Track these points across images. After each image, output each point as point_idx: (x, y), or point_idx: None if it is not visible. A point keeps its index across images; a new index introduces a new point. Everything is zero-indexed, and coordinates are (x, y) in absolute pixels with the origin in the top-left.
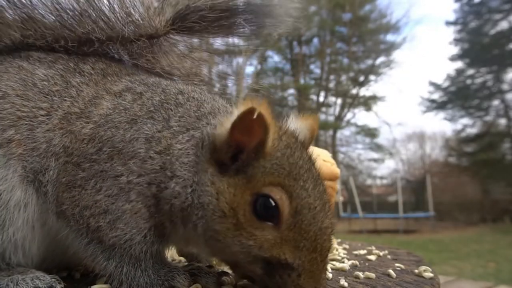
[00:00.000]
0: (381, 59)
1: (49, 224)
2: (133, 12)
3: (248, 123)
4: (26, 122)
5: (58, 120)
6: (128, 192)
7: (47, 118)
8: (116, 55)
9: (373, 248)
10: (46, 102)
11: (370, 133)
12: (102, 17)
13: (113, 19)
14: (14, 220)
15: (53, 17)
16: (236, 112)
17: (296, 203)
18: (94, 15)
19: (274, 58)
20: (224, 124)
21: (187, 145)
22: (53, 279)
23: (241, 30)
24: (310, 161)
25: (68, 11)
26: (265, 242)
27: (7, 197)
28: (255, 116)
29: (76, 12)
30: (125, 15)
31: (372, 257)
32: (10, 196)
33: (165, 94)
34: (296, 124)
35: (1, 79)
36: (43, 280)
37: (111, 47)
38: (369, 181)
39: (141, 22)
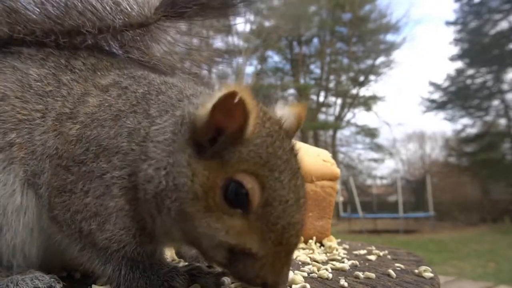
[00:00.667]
0: (381, 59)
1: (46, 228)
2: (121, 1)
3: (229, 106)
4: (26, 126)
5: (52, 122)
6: (111, 187)
7: (42, 121)
8: (108, 48)
9: (373, 248)
10: (41, 104)
11: (370, 133)
12: (89, 7)
13: (101, 9)
14: (12, 225)
15: (38, 10)
16: (218, 94)
17: (267, 194)
18: (80, 6)
19: (274, 58)
20: (205, 105)
21: (165, 124)
22: (52, 279)
23: (233, 8)
24: (291, 152)
25: (52, 2)
26: (231, 228)
27: (5, 202)
28: (236, 100)
29: (61, 4)
30: (113, 5)
31: (372, 257)
32: (9, 201)
33: (149, 85)
34: (283, 111)
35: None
36: (42, 280)
37: (102, 40)
38: (369, 181)
39: (130, 10)
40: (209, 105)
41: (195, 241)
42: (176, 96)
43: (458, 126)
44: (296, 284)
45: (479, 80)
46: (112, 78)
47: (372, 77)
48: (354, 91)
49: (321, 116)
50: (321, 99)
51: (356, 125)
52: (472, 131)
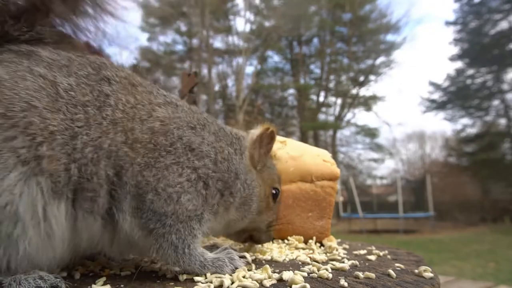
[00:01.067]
0: (381, 59)
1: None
2: None
3: (265, 136)
4: (59, 136)
5: (105, 127)
6: (206, 180)
7: (86, 129)
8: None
9: (373, 248)
10: (80, 113)
11: (370, 133)
12: None
13: None
14: (31, 236)
15: None
16: (259, 131)
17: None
18: None
19: (274, 58)
20: (253, 139)
21: (237, 157)
22: (57, 279)
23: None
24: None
25: None
26: (272, 215)
27: (26, 215)
28: (269, 131)
29: None
30: None
31: (372, 257)
32: (31, 213)
33: (192, 112)
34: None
35: (19, 86)
36: (47, 280)
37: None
38: (369, 181)
39: None
40: (254, 138)
41: (236, 228)
42: (229, 132)
43: (458, 126)
44: (296, 284)
45: (479, 80)
46: (164, 99)
47: (372, 77)
48: (354, 91)
49: (321, 116)
50: (321, 99)
51: (356, 125)
52: (472, 131)
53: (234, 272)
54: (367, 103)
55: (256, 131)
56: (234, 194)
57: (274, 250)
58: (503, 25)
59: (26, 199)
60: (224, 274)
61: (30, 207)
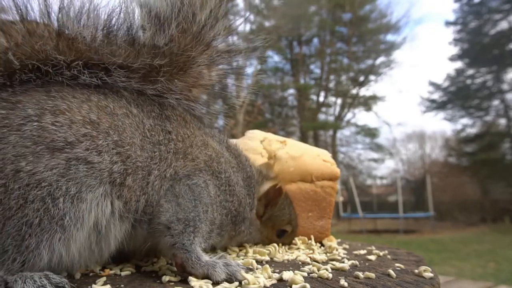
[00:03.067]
0: (381, 59)
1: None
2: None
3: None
4: (140, 172)
5: (170, 160)
6: (228, 211)
7: (158, 165)
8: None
9: (373, 248)
10: (156, 152)
11: (370, 133)
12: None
13: None
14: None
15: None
16: (266, 187)
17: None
18: None
19: (274, 58)
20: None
21: (248, 209)
22: (63, 279)
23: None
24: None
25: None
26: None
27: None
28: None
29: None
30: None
31: (372, 257)
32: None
33: (231, 150)
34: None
35: (126, 122)
36: (53, 279)
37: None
38: (369, 181)
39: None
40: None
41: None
42: (253, 183)
43: (458, 126)
44: (296, 284)
45: (479, 80)
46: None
47: (372, 77)
48: (354, 91)
49: (321, 116)
50: (321, 99)
51: (356, 125)
52: (472, 131)
53: (228, 276)
54: (367, 103)
55: (263, 186)
56: (238, 231)
57: (274, 250)
58: (503, 25)
59: (99, 211)
60: (217, 278)
61: (99, 219)
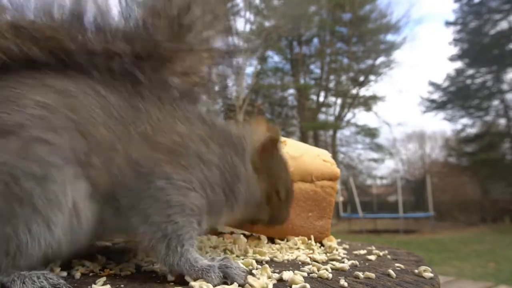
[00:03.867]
0: (381, 59)
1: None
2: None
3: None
4: (108, 154)
5: (137, 142)
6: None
7: (125, 146)
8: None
9: (373, 248)
10: (123, 131)
11: (370, 133)
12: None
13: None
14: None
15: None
16: (261, 137)
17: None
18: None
19: (274, 58)
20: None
21: (242, 168)
22: (61, 281)
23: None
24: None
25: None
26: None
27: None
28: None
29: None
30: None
31: (372, 257)
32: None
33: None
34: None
35: (84, 103)
36: (50, 279)
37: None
38: (369, 181)
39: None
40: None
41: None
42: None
43: (458, 126)
44: (296, 284)
45: (479, 80)
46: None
47: (372, 77)
48: (354, 91)
49: (321, 116)
50: (321, 99)
51: (356, 125)
52: (472, 131)
53: (223, 280)
54: (367, 103)
55: (258, 137)
56: (236, 198)
57: (274, 250)
58: (503, 25)
59: (74, 191)
60: (211, 282)
61: (75, 200)
